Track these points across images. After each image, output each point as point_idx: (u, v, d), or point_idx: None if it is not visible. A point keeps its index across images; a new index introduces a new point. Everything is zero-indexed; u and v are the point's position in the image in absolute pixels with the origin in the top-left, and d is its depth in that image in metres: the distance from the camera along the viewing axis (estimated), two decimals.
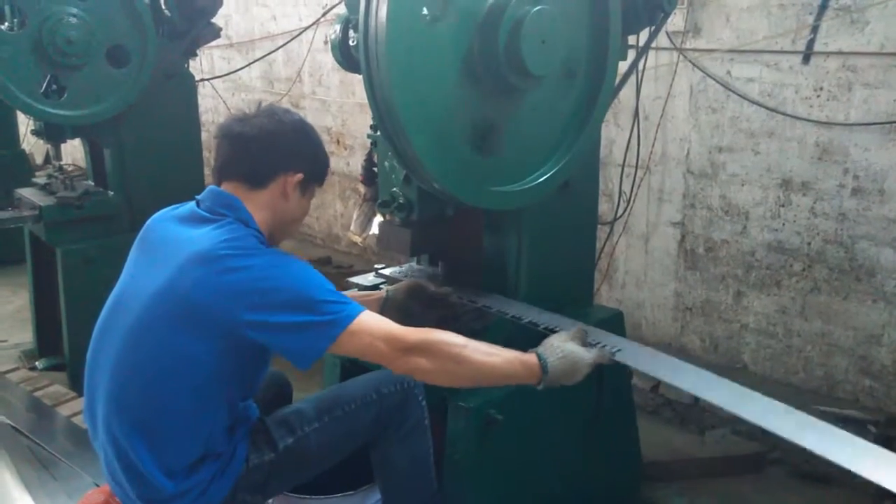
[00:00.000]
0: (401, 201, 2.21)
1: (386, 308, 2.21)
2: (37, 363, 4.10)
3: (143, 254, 1.94)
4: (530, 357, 1.87)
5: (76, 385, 3.62)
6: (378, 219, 2.47)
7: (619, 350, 1.99)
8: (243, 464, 1.91)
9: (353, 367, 2.33)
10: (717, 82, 3.54)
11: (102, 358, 1.88)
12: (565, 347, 1.90)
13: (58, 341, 3.94)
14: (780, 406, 1.77)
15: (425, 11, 1.85)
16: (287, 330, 1.73)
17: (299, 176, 1.94)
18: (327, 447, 2.03)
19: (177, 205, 1.98)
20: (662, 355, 2.07)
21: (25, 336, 4.40)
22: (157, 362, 1.78)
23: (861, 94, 3.13)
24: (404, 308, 2.25)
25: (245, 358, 1.84)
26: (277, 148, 1.92)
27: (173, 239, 1.85)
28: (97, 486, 2.53)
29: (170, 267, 1.77)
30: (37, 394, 3.62)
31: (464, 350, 1.81)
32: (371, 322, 1.78)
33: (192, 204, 1.94)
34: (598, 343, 2.01)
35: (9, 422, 3.29)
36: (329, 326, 1.74)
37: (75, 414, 3.35)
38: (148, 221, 1.99)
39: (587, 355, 1.90)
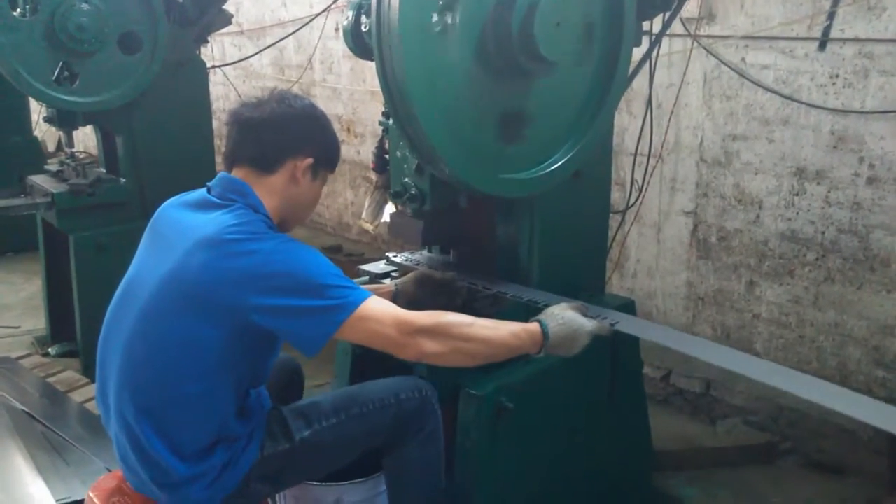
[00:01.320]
0: (413, 192, 2.20)
1: (397, 301, 2.17)
2: (49, 349, 4.14)
3: (153, 240, 1.94)
4: (532, 325, 1.90)
5: (89, 371, 3.65)
6: (389, 206, 2.47)
7: (618, 322, 2.03)
8: (258, 452, 1.91)
9: (365, 354, 2.32)
10: (732, 69, 3.50)
11: (113, 344, 1.88)
12: (566, 315, 1.92)
13: (70, 328, 3.97)
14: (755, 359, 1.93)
15: None
16: (293, 314, 1.72)
17: (309, 160, 1.94)
18: (343, 443, 2.01)
19: (188, 192, 1.98)
20: (659, 326, 2.15)
21: (38, 322, 4.44)
22: (165, 347, 1.79)
23: (877, 81, 3.08)
24: (415, 299, 2.25)
25: (253, 343, 1.83)
26: (286, 132, 1.92)
27: (182, 224, 1.86)
28: (109, 471, 2.54)
29: (178, 252, 1.78)
30: (50, 380, 3.65)
31: (471, 328, 1.82)
32: (378, 307, 1.77)
33: (202, 190, 1.94)
34: (599, 316, 2.04)
35: (22, 407, 3.31)
36: (335, 311, 1.73)
37: (88, 400, 3.38)
38: (159, 209, 1.99)
39: (587, 324, 1.93)
